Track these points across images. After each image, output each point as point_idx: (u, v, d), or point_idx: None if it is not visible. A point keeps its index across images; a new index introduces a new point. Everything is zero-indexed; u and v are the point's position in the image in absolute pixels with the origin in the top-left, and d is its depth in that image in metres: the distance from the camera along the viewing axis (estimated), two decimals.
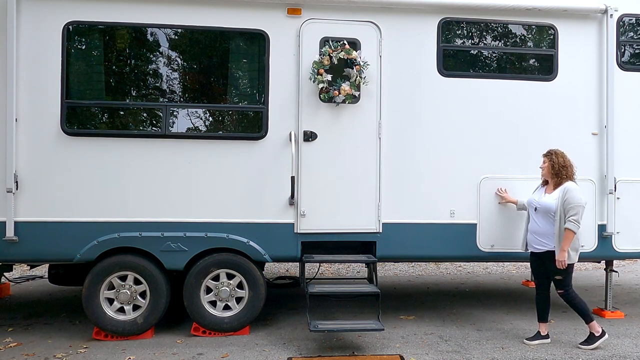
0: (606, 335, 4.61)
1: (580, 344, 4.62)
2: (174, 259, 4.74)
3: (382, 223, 4.97)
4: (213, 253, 4.81)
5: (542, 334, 4.75)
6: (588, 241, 5.12)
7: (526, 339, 4.75)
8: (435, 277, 8.05)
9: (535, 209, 4.70)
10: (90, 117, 4.78)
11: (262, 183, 4.84)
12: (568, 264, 4.49)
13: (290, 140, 4.84)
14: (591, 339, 4.60)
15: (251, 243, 4.80)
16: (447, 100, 5.08)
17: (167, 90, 4.86)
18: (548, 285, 4.74)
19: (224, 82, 4.96)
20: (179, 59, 4.90)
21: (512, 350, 4.57)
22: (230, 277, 4.86)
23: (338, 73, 4.81)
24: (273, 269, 8.36)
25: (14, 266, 6.84)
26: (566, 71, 5.22)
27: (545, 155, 4.74)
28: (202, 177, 4.78)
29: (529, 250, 4.82)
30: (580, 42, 5.24)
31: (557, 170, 4.60)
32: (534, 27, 5.24)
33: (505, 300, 6.42)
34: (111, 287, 4.75)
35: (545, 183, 4.79)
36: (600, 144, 5.24)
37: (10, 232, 4.56)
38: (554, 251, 4.52)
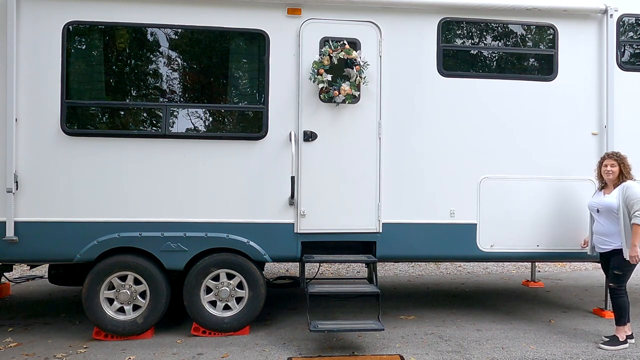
0: (627, 345, 4.62)
1: (603, 343, 4.65)
2: (174, 259, 4.74)
3: (382, 223, 4.97)
4: (213, 253, 4.81)
5: (627, 333, 4.70)
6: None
7: (602, 344, 4.67)
8: (435, 277, 8.06)
9: (598, 210, 4.77)
10: (90, 117, 4.78)
11: (262, 183, 4.84)
12: (627, 266, 4.55)
13: (290, 140, 4.84)
14: (614, 341, 4.63)
15: (251, 243, 4.81)
16: (447, 100, 5.08)
17: (167, 90, 4.86)
18: (622, 285, 4.70)
19: (224, 82, 4.96)
20: (179, 59, 4.90)
21: (512, 350, 4.57)
22: (230, 277, 4.86)
23: (338, 73, 4.81)
24: (273, 269, 8.36)
25: (14, 266, 6.85)
26: (566, 71, 5.22)
27: (614, 159, 4.72)
28: (202, 177, 4.79)
29: (597, 252, 4.87)
30: (580, 42, 5.24)
31: (624, 176, 4.67)
32: (533, 27, 5.24)
33: (505, 300, 6.42)
34: (111, 287, 4.75)
35: (602, 187, 4.84)
36: (600, 144, 5.24)
37: (10, 232, 4.56)
38: (621, 249, 4.58)
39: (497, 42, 5.26)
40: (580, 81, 5.24)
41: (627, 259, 4.52)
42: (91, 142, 4.70)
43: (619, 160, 4.70)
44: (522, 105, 5.17)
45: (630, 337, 4.71)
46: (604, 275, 5.62)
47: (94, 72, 4.76)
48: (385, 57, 5.00)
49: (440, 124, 5.07)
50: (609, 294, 4.65)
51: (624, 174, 4.67)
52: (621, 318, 4.64)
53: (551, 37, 5.24)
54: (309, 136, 4.89)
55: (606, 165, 4.74)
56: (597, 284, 7.14)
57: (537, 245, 5.16)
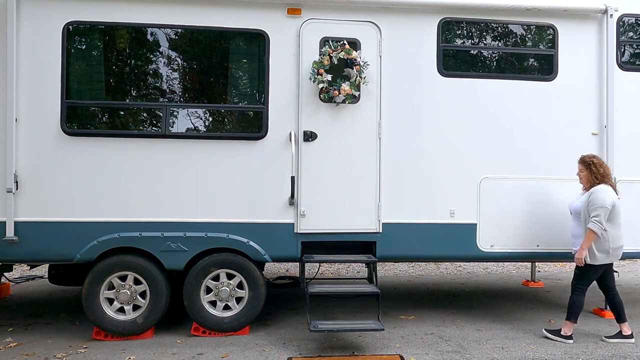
0: (570, 341, 4.75)
1: (546, 330, 4.91)
2: (174, 259, 4.74)
3: (382, 223, 4.97)
4: (213, 253, 4.81)
5: (625, 333, 4.76)
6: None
7: (605, 336, 4.82)
8: (435, 277, 8.06)
9: (570, 212, 4.87)
10: (90, 117, 4.78)
11: (262, 183, 4.84)
12: (589, 265, 4.60)
13: (290, 140, 4.84)
14: (557, 333, 4.81)
15: (251, 243, 4.81)
16: (447, 100, 5.08)
17: (167, 90, 4.86)
18: (606, 284, 4.81)
19: (224, 82, 4.96)
20: (179, 59, 4.90)
21: (512, 350, 4.57)
22: (230, 277, 4.86)
23: (338, 73, 4.81)
24: (273, 269, 8.36)
25: (14, 266, 6.85)
26: (566, 71, 5.22)
27: (582, 163, 4.74)
28: (202, 177, 4.79)
29: None
30: (580, 42, 5.24)
31: (596, 179, 4.64)
32: (533, 27, 5.24)
33: (505, 300, 6.42)
34: (111, 287, 4.75)
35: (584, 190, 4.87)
36: (600, 144, 5.24)
37: (10, 232, 4.56)
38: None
39: (497, 42, 5.26)
40: (580, 81, 5.24)
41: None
42: (91, 142, 4.70)
43: (586, 164, 4.69)
44: (522, 105, 5.17)
45: (630, 336, 4.74)
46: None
47: (94, 72, 4.76)
48: (385, 57, 5.00)
49: (440, 124, 5.07)
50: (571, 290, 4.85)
51: (596, 178, 4.63)
52: (571, 317, 4.73)
53: (551, 37, 5.24)
54: (309, 136, 4.89)
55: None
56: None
57: (537, 245, 5.16)
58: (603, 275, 4.78)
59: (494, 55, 5.27)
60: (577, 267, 4.71)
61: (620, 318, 4.77)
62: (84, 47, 4.77)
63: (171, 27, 4.82)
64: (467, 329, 5.16)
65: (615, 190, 4.66)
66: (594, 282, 4.82)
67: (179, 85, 4.90)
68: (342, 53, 4.75)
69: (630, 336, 4.74)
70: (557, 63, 5.22)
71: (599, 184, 4.62)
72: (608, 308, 5.42)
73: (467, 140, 5.10)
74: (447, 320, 5.48)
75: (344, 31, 4.93)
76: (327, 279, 7.24)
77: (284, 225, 4.87)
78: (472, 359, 4.36)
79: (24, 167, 4.62)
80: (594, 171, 4.64)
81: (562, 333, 4.78)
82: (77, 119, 4.73)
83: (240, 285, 4.88)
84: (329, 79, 4.76)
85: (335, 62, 4.77)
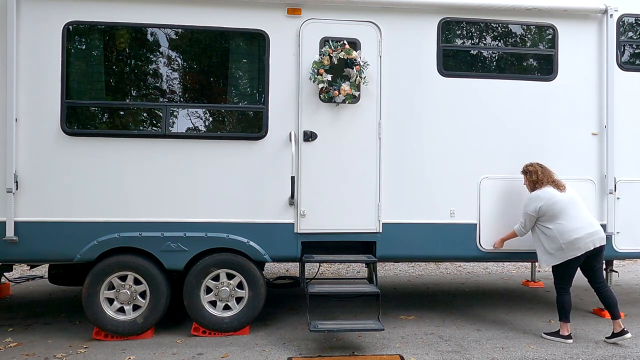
0: (570, 341, 4.78)
1: (546, 333, 4.93)
2: (174, 259, 4.74)
3: (382, 223, 4.97)
4: (213, 253, 4.81)
5: (615, 331, 4.74)
6: None
7: (545, 333, 4.93)
8: (435, 277, 8.06)
9: None
10: (90, 117, 4.78)
11: (262, 183, 4.84)
12: (554, 266, 4.74)
13: (290, 140, 4.84)
14: (555, 333, 4.85)
15: (251, 243, 4.81)
16: (447, 100, 5.08)
17: (167, 90, 4.86)
18: (591, 283, 4.85)
19: (224, 82, 4.96)
20: (179, 59, 4.90)
21: (512, 350, 4.57)
22: (230, 277, 4.86)
23: (338, 73, 4.81)
24: (273, 269, 8.37)
25: (14, 266, 6.85)
26: (566, 71, 5.22)
27: (522, 173, 4.96)
28: (202, 177, 4.79)
29: None
30: (580, 42, 5.24)
31: (533, 187, 4.86)
32: (533, 27, 5.24)
33: (505, 300, 6.42)
34: (111, 287, 4.75)
35: None
36: (600, 144, 5.24)
37: (10, 232, 4.56)
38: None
39: (497, 42, 5.26)
40: (580, 81, 5.24)
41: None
42: (91, 142, 4.70)
43: (523, 172, 4.93)
44: (522, 105, 5.17)
45: (623, 332, 4.67)
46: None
47: (94, 72, 4.75)
48: (385, 57, 5.00)
49: (440, 124, 5.07)
50: None
51: (529, 185, 4.87)
52: (560, 315, 4.79)
53: (551, 37, 5.24)
54: (309, 136, 4.89)
55: None
56: None
57: None
58: (587, 274, 4.83)
59: (494, 55, 5.27)
60: (552, 268, 4.80)
61: (613, 315, 4.72)
62: (84, 47, 4.77)
63: (171, 27, 4.82)
64: (467, 329, 5.16)
65: (558, 187, 4.73)
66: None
67: (179, 85, 4.90)
68: (342, 53, 4.75)
69: (623, 332, 4.67)
70: (557, 63, 5.22)
71: (533, 190, 4.82)
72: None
73: (467, 140, 5.10)
74: (447, 320, 5.48)
75: (344, 31, 4.93)
76: (327, 279, 7.25)
77: (284, 225, 4.87)
78: (472, 359, 4.36)
79: (24, 167, 4.62)
80: (528, 179, 4.88)
81: (560, 334, 4.80)
82: (77, 119, 4.73)
83: (240, 285, 4.88)
84: (329, 79, 4.76)
85: (335, 62, 4.77)
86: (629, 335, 4.67)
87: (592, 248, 4.61)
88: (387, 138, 4.99)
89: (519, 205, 5.07)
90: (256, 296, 4.86)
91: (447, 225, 5.06)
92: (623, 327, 4.71)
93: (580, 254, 4.61)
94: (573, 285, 4.78)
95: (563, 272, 4.73)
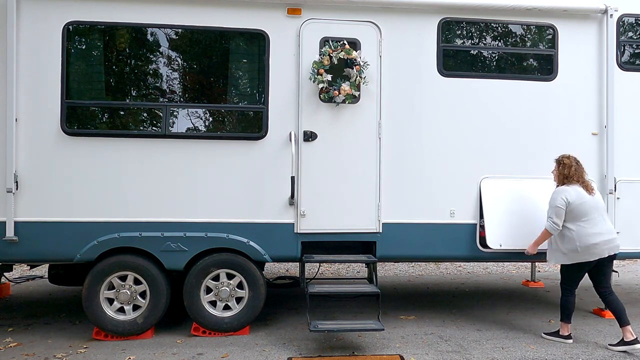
0: (569, 341, 4.75)
1: (546, 333, 4.93)
2: (174, 259, 4.74)
3: (382, 223, 4.97)
4: (213, 253, 4.81)
5: (627, 339, 4.55)
6: None
7: (545, 333, 4.93)
8: (435, 277, 8.06)
9: None
10: (90, 117, 4.78)
11: (262, 183, 4.84)
12: (567, 265, 4.63)
13: (290, 140, 4.84)
14: (555, 334, 4.83)
15: (251, 243, 4.81)
16: (447, 100, 5.08)
17: (167, 90, 4.86)
18: (597, 287, 4.76)
19: (224, 82, 4.96)
20: (179, 59, 4.90)
21: (512, 350, 4.57)
22: (230, 277, 4.86)
23: (338, 73, 4.81)
24: (273, 269, 8.37)
25: (14, 266, 6.85)
26: (566, 71, 5.22)
27: (555, 161, 4.79)
28: (202, 177, 4.79)
29: None
30: (580, 42, 5.24)
31: (562, 179, 4.70)
32: (533, 27, 5.24)
33: (505, 300, 6.42)
34: (111, 287, 4.75)
35: None
36: (600, 144, 5.24)
37: (10, 232, 4.56)
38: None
39: (497, 42, 5.26)
40: (580, 81, 5.24)
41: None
42: (91, 142, 4.70)
43: (557, 162, 4.75)
44: (522, 105, 5.17)
45: (635, 341, 4.50)
46: None
47: (94, 72, 4.75)
48: (385, 57, 5.00)
49: (440, 124, 5.07)
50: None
51: (559, 178, 4.71)
52: (564, 318, 4.76)
53: (551, 37, 5.24)
54: (309, 136, 4.89)
55: None
56: None
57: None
58: (594, 278, 4.73)
59: (494, 55, 5.26)
60: (560, 268, 4.77)
61: (621, 322, 4.57)
62: (84, 47, 4.77)
63: (171, 27, 4.82)
64: (467, 329, 5.16)
65: (587, 189, 4.61)
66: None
67: (179, 85, 4.90)
68: (342, 53, 4.75)
69: (635, 341, 4.51)
70: (557, 63, 5.22)
71: (561, 184, 4.68)
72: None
73: (467, 140, 5.10)
74: (447, 320, 5.48)
75: (344, 31, 4.93)
76: (327, 279, 7.25)
77: (284, 225, 4.87)
78: (472, 359, 4.36)
79: (24, 167, 4.62)
80: (559, 170, 4.71)
81: (560, 334, 4.79)
82: (77, 119, 4.73)
83: (240, 285, 4.88)
84: (329, 79, 4.76)
85: (335, 62, 4.77)
86: (638, 346, 4.49)
87: (606, 255, 4.55)
88: (387, 138, 4.99)
89: (519, 205, 5.07)
90: (256, 296, 4.86)
91: (447, 225, 5.06)
92: (635, 336, 4.54)
93: (593, 259, 4.55)
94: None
95: (572, 274, 4.70)
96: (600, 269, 4.68)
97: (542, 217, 5.11)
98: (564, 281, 4.77)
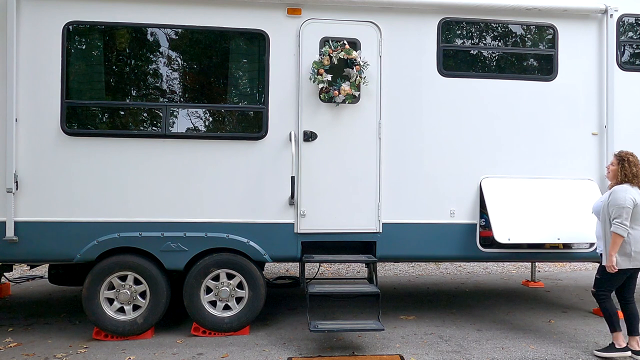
0: (628, 353, 4.35)
1: (597, 350, 4.46)
2: (174, 259, 4.74)
3: (382, 223, 4.97)
4: (213, 253, 4.81)
5: (634, 348, 4.35)
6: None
7: (597, 350, 4.46)
8: (435, 277, 8.06)
9: (592, 212, 4.63)
10: (90, 117, 4.78)
11: (262, 183, 4.84)
12: (607, 272, 4.30)
13: (290, 140, 4.84)
14: (610, 348, 4.39)
15: (251, 243, 4.81)
16: (447, 100, 5.08)
17: (167, 90, 4.86)
18: (622, 293, 4.45)
19: (224, 82, 4.96)
20: (179, 59, 4.90)
21: (512, 350, 4.57)
22: (230, 277, 4.86)
23: (338, 73, 4.82)
24: (273, 269, 8.37)
25: (14, 266, 6.85)
26: (566, 71, 5.22)
27: (616, 157, 4.44)
28: (202, 177, 4.78)
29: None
30: (580, 42, 5.24)
31: (622, 179, 4.35)
32: (533, 27, 5.24)
33: (505, 300, 6.42)
34: (111, 287, 4.75)
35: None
36: (600, 144, 5.24)
37: (10, 232, 4.56)
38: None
39: (497, 42, 5.26)
40: (580, 81, 5.24)
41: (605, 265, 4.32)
42: (91, 142, 4.70)
43: (621, 159, 4.38)
44: (522, 105, 5.16)
45: (637, 353, 4.33)
46: None
47: (94, 72, 4.76)
48: (385, 57, 5.00)
49: (441, 124, 5.07)
50: (595, 299, 4.49)
51: (625, 176, 4.32)
52: (611, 325, 4.39)
53: (551, 37, 5.24)
54: (309, 136, 4.89)
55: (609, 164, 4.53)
56: None
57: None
58: (623, 282, 4.42)
59: (494, 55, 5.26)
60: (598, 272, 4.42)
61: (631, 330, 4.36)
62: (84, 47, 4.77)
63: (171, 27, 4.82)
64: (467, 329, 5.16)
65: None
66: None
67: (179, 85, 4.90)
68: (342, 53, 4.75)
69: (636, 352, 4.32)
70: (557, 63, 5.22)
71: (624, 183, 4.32)
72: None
73: (467, 140, 5.10)
74: (447, 320, 5.48)
75: (344, 31, 4.93)
76: (327, 279, 7.25)
77: (284, 225, 4.87)
78: (472, 359, 4.36)
79: (24, 167, 4.62)
80: (625, 168, 4.33)
81: (616, 346, 4.37)
82: (77, 119, 4.73)
83: (240, 285, 4.88)
84: (329, 79, 4.76)
85: (335, 62, 4.77)
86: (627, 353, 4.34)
87: None
88: (387, 138, 4.99)
89: (519, 205, 5.07)
90: (256, 296, 4.86)
91: (447, 225, 5.06)
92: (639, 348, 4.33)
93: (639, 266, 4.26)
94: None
95: (614, 279, 4.34)
96: (633, 278, 4.45)
97: (541, 219, 5.12)
98: (600, 286, 4.39)
